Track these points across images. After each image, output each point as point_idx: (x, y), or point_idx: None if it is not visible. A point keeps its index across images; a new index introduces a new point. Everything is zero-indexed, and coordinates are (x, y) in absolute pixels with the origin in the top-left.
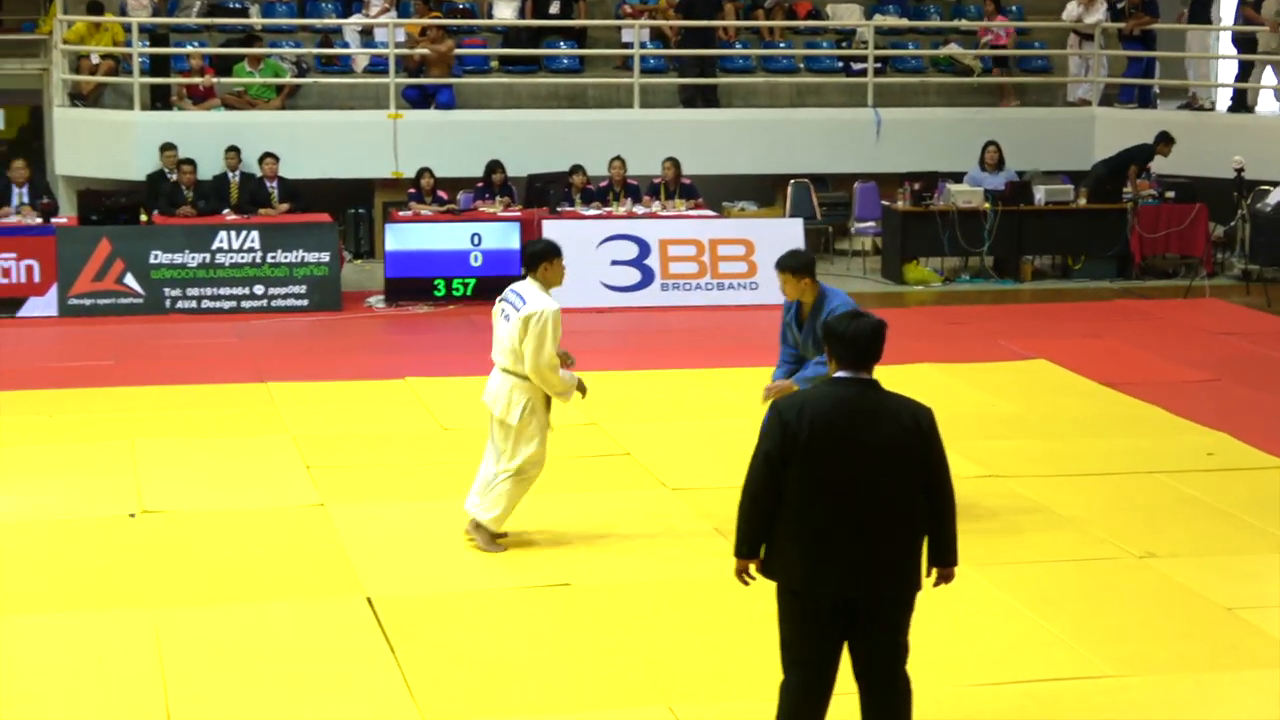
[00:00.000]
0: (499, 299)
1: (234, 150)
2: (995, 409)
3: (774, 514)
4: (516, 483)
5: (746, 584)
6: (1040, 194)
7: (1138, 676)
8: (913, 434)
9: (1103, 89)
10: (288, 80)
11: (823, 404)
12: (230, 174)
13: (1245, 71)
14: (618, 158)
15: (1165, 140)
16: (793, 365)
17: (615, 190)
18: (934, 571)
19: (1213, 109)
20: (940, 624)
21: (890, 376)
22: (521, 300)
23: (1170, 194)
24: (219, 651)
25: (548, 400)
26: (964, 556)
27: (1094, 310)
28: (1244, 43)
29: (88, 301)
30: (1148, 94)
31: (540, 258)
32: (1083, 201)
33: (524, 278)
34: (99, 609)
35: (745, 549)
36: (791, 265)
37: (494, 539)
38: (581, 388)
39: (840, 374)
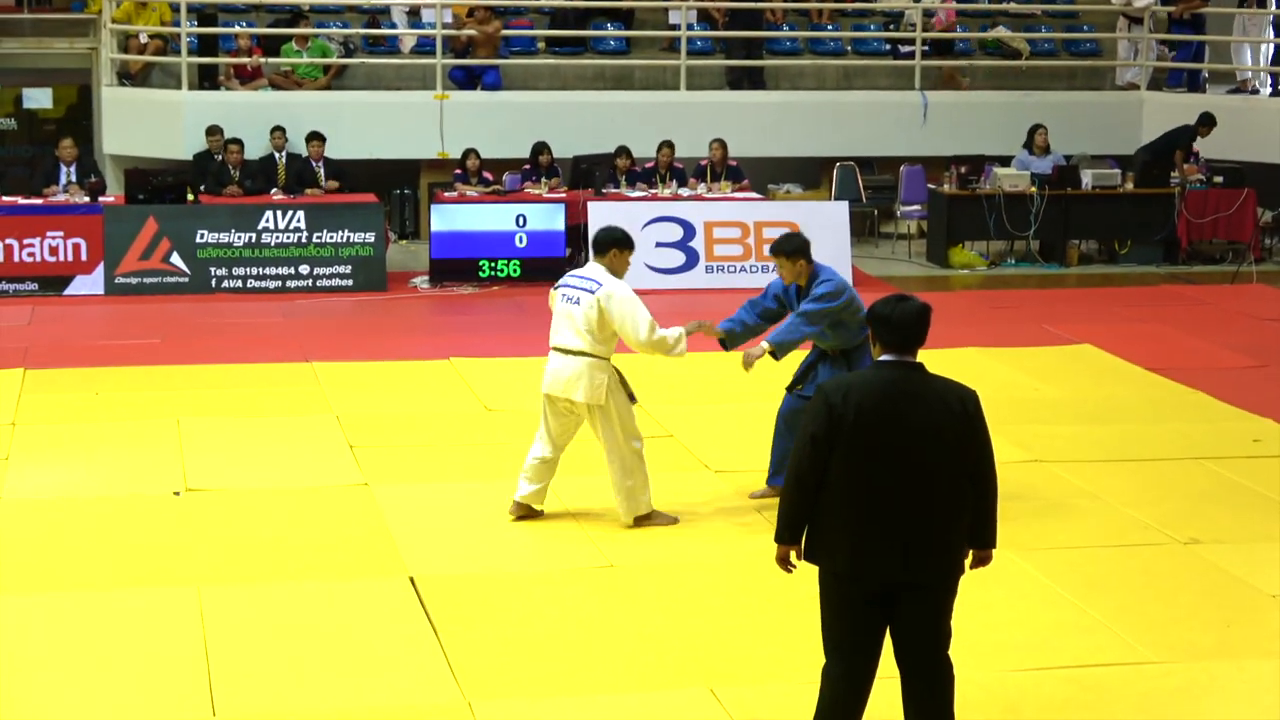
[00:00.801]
0: (558, 285)
1: (280, 130)
2: (1040, 394)
3: (817, 498)
4: (635, 461)
5: (789, 571)
6: (1087, 178)
7: (1181, 663)
8: (958, 417)
9: (1151, 73)
10: (335, 60)
11: (869, 387)
12: (277, 154)
13: None
14: (667, 143)
15: (1206, 122)
16: (751, 319)
17: (661, 174)
18: (971, 553)
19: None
20: (983, 609)
21: (935, 360)
22: (595, 283)
23: (1218, 179)
24: (262, 629)
25: (620, 375)
26: (1007, 541)
27: (1140, 295)
28: None
29: (134, 280)
30: (1196, 78)
31: (613, 244)
32: (1130, 186)
33: (587, 263)
34: (144, 586)
35: (787, 534)
36: (786, 249)
37: (661, 516)
38: (696, 329)
39: (885, 357)
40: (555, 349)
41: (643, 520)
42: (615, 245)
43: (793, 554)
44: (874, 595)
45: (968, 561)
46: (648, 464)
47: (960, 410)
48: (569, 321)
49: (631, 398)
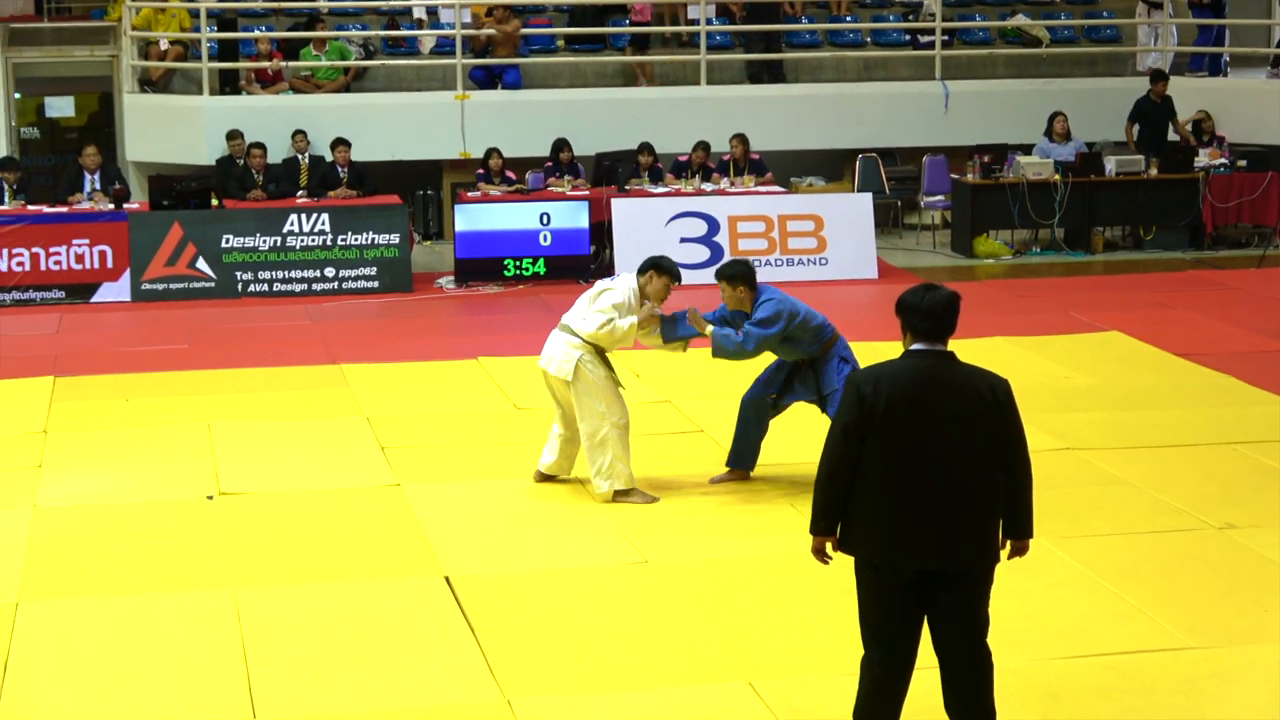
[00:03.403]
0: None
1: (301, 133)
2: (1069, 381)
3: (850, 488)
4: (608, 440)
5: (825, 562)
6: (1111, 165)
7: (1220, 648)
8: (990, 405)
9: (1173, 58)
10: (354, 62)
11: (899, 377)
12: (300, 157)
13: None
14: (702, 144)
15: (1155, 79)
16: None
17: (693, 169)
18: (1008, 543)
19: None
20: (1020, 597)
21: (963, 349)
22: (611, 281)
23: (1242, 163)
24: (299, 630)
25: (602, 354)
26: (1042, 530)
27: (1166, 281)
28: None
29: (160, 286)
30: (1218, 62)
31: (650, 266)
32: (1154, 172)
33: (611, 259)
34: (180, 590)
35: (822, 525)
36: (726, 274)
37: (638, 494)
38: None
39: (916, 346)
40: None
41: (621, 496)
42: (652, 267)
43: (828, 545)
44: (910, 584)
45: (1004, 551)
46: (680, 458)
47: (991, 399)
48: (575, 305)
49: (616, 383)
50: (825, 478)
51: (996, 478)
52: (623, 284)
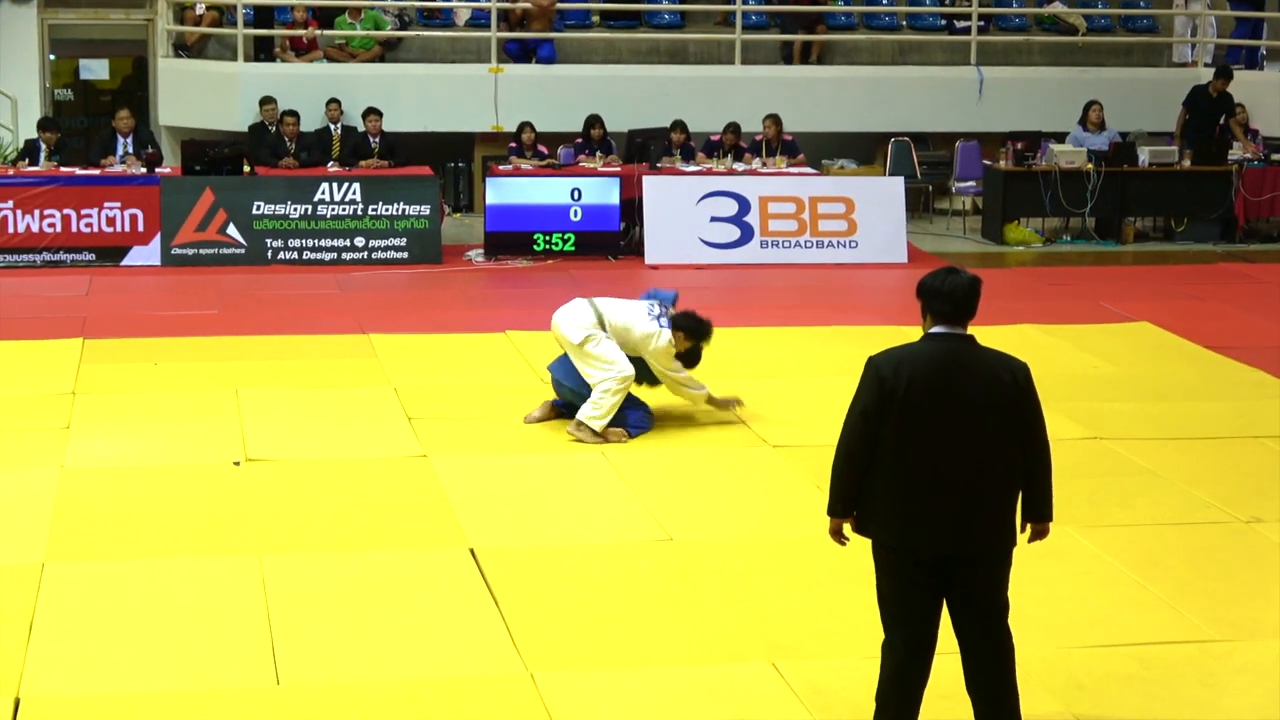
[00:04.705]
0: (649, 295)
1: (335, 102)
2: (1098, 371)
3: (868, 471)
4: (618, 389)
5: (842, 544)
6: (1144, 155)
7: (1245, 641)
8: (1009, 388)
9: (1213, 49)
10: (388, 33)
11: (919, 359)
12: (332, 126)
13: None
14: (733, 127)
15: (1218, 74)
16: None
17: (725, 149)
18: (1028, 527)
19: None
20: (1045, 586)
21: (992, 337)
22: (657, 318)
23: (1276, 156)
24: (324, 598)
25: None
26: (1068, 518)
27: (1197, 273)
28: None
29: (190, 251)
30: (1254, 55)
31: (682, 327)
32: (1187, 163)
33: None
34: (206, 555)
35: (840, 507)
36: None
37: (615, 432)
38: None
39: (937, 329)
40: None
41: (579, 429)
42: (684, 329)
43: (845, 527)
44: (929, 566)
45: (1024, 535)
46: (707, 438)
47: (1011, 382)
48: (621, 304)
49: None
50: (843, 459)
51: (1015, 461)
52: (660, 330)
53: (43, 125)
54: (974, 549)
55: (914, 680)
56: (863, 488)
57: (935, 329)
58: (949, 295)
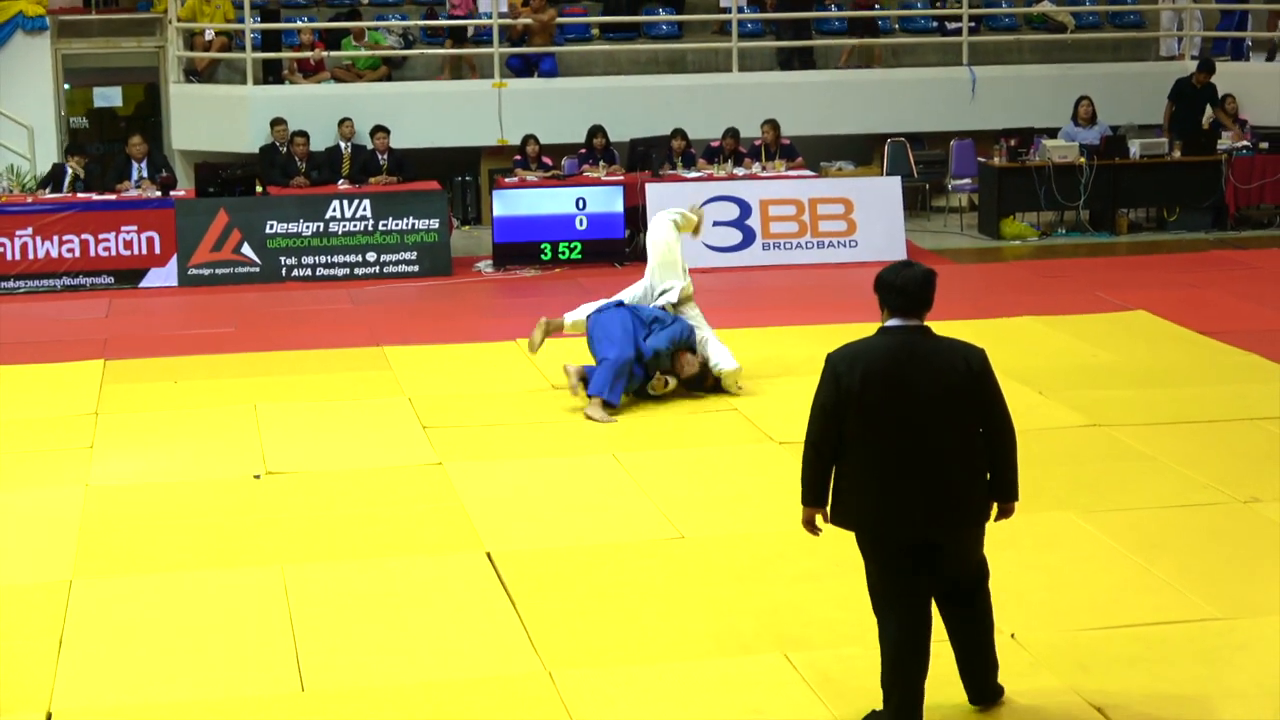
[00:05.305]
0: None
1: (348, 121)
2: (1096, 359)
3: (834, 462)
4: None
5: (815, 533)
6: (1135, 148)
7: (1247, 619)
8: (963, 375)
9: (1198, 43)
10: (393, 51)
11: (874, 354)
12: (343, 144)
13: None
14: (731, 132)
15: (1202, 69)
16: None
17: (725, 154)
18: (995, 506)
19: None
20: (1048, 571)
21: (991, 329)
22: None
23: (1264, 145)
24: (345, 605)
25: None
26: (1069, 504)
27: (1190, 261)
28: None
29: (206, 271)
30: (1240, 46)
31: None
32: (1177, 154)
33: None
34: (229, 567)
35: (810, 497)
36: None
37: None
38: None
39: (892, 322)
40: None
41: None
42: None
43: (818, 517)
44: (908, 549)
45: (992, 515)
46: (714, 437)
47: (965, 369)
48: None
49: None
50: (810, 450)
51: (976, 445)
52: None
53: (71, 151)
54: (943, 536)
55: (913, 663)
56: (835, 481)
57: (891, 322)
58: (902, 289)
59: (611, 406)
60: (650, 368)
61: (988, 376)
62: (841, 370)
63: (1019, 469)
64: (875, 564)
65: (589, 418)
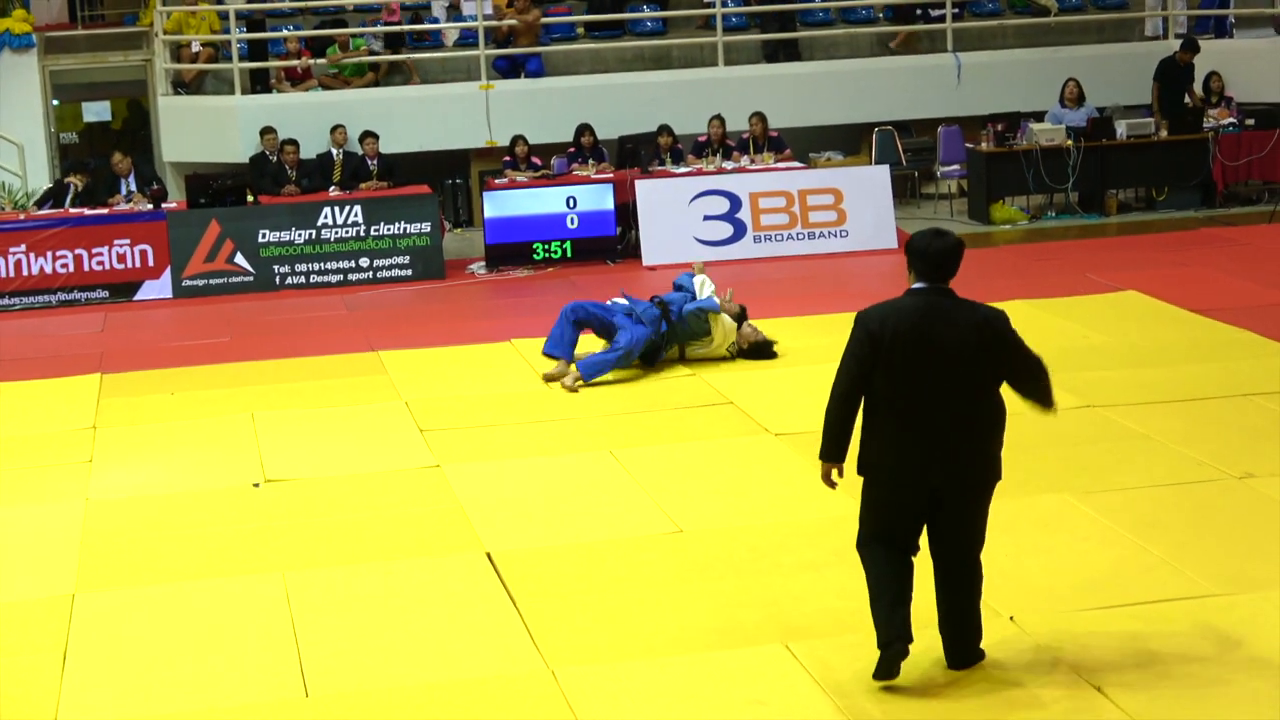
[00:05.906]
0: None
1: (340, 128)
2: (1089, 340)
3: (858, 415)
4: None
5: (832, 486)
6: (1122, 128)
7: (1244, 594)
8: (985, 333)
9: (1183, 22)
10: (378, 57)
11: (903, 312)
12: (334, 151)
13: None
14: (717, 117)
15: (1185, 48)
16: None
17: (714, 147)
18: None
19: None
20: (1046, 552)
21: None
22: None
23: (1250, 122)
24: (348, 610)
25: None
26: (1065, 485)
27: (1180, 240)
28: None
29: (200, 282)
30: (1224, 24)
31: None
32: (1164, 134)
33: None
34: (230, 575)
35: (833, 451)
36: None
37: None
38: None
39: (918, 285)
40: None
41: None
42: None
43: (834, 472)
44: (918, 496)
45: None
46: (710, 430)
47: (987, 328)
48: None
49: None
50: (837, 401)
51: (996, 401)
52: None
53: (72, 168)
54: (960, 481)
55: (900, 581)
56: (861, 434)
57: (917, 285)
58: (933, 257)
59: (582, 384)
60: (676, 329)
61: (1008, 332)
62: (874, 327)
63: (1012, 453)
64: (879, 506)
65: (551, 378)
